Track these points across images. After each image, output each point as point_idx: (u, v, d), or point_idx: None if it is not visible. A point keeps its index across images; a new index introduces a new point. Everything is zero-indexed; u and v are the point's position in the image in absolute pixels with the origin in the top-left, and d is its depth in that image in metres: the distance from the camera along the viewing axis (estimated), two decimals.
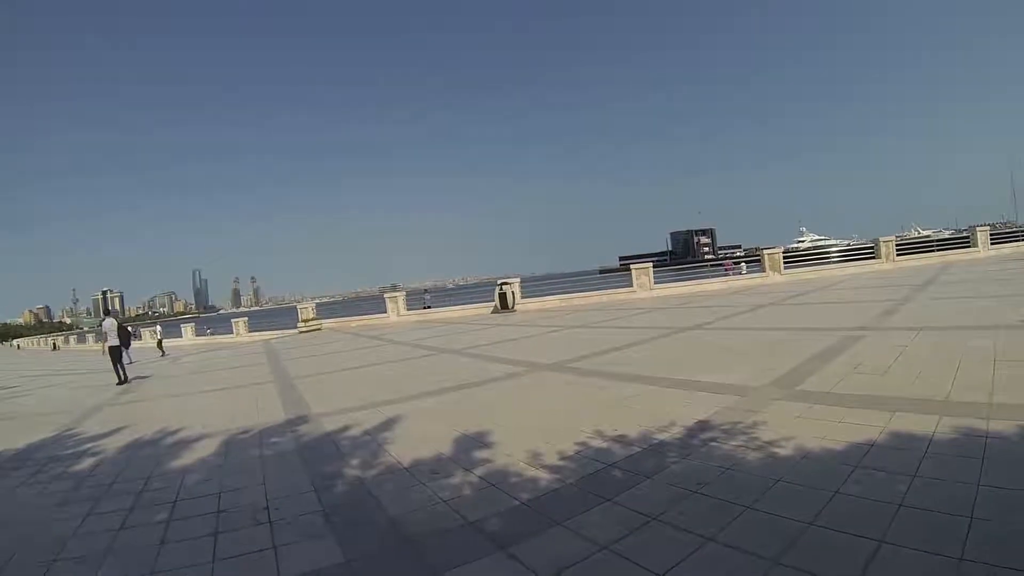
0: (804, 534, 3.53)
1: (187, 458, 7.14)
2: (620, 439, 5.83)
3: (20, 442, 9.49)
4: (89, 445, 8.62)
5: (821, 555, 3.29)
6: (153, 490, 6.02)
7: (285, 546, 4.29)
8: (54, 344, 65.31)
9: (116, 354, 16.84)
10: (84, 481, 6.70)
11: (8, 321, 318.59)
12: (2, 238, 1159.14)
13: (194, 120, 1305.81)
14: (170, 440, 8.22)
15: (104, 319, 18.39)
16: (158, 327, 34.74)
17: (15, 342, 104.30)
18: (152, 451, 7.75)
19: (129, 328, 19.86)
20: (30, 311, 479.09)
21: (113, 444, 8.45)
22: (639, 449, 5.50)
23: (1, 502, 6.41)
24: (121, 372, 16.75)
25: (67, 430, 10.16)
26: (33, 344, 71.34)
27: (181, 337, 41.13)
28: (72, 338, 70.74)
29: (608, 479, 4.86)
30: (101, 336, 18.33)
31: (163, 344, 28.63)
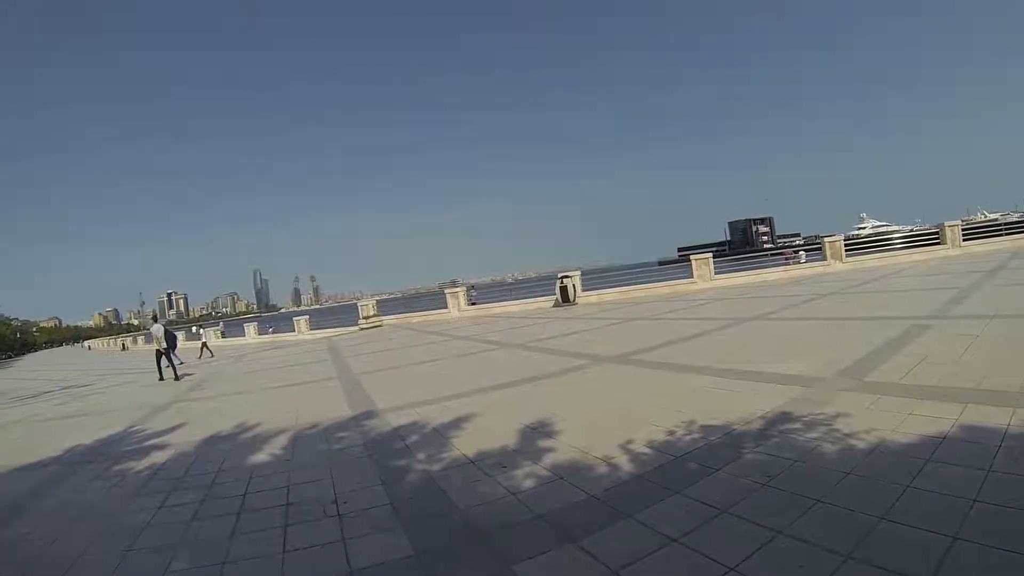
0: (876, 529, 3.48)
1: (255, 453, 7.38)
2: (688, 431, 5.81)
3: (94, 437, 10.10)
4: (159, 440, 9.05)
5: (893, 551, 3.23)
6: (222, 483, 6.25)
7: (354, 539, 4.37)
8: (123, 344, 68.78)
9: (164, 355, 19.02)
10: (155, 474, 7.02)
11: (79, 324, 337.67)
12: (73, 245, 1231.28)
13: (248, 122, 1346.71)
14: (238, 435, 8.53)
15: (152, 324, 20.89)
16: (201, 330, 36.03)
17: (86, 343, 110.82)
18: (221, 446, 8.04)
19: (175, 332, 22.47)
20: (99, 314, 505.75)
21: (182, 439, 8.84)
22: (707, 441, 5.47)
23: (77, 494, 6.77)
24: (172, 370, 18.93)
25: (138, 425, 10.70)
26: (103, 345, 75.34)
27: (244, 336, 42.40)
28: (140, 339, 74.33)
29: (677, 471, 4.85)
30: (150, 338, 21.22)
31: (208, 346, 29.66)
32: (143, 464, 7.62)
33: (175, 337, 20.63)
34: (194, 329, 34.86)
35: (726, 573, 3.25)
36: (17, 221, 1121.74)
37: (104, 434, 10.27)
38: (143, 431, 10.04)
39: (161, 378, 18.79)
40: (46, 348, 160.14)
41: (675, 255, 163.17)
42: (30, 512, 6.38)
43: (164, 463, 7.52)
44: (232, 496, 5.75)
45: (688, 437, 5.62)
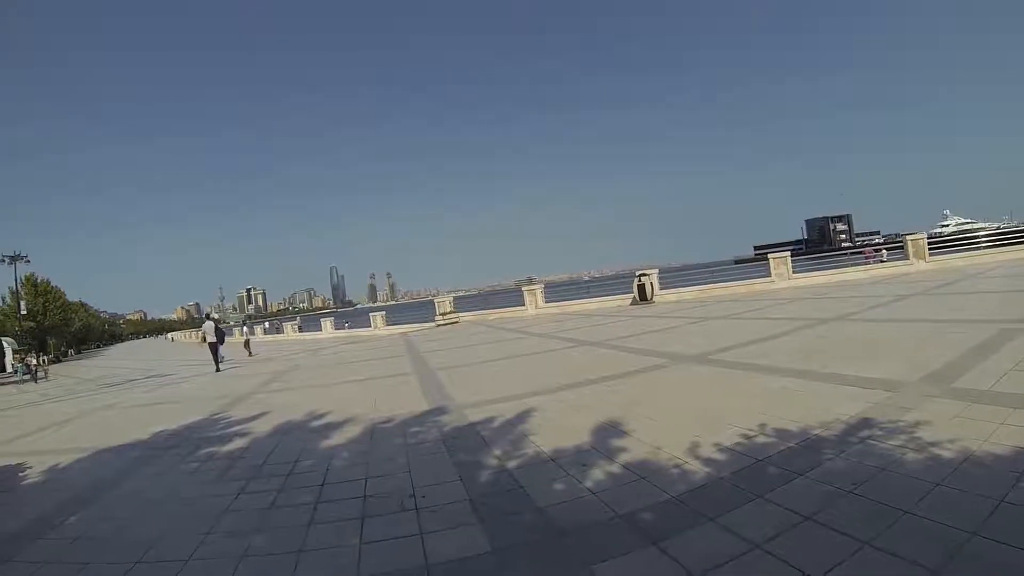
0: (967, 545, 3.36)
1: (332, 444, 7.64)
2: (769, 433, 5.74)
3: (178, 423, 10.75)
4: (239, 428, 9.52)
5: (985, 569, 3.14)
6: (300, 473, 6.50)
7: (431, 533, 4.45)
8: (203, 337, 72.30)
9: (214, 348, 22.53)
10: (235, 462, 7.38)
11: (163, 317, 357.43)
12: (158, 242, 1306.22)
13: (326, 121, 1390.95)
14: (316, 426, 8.85)
15: (205, 322, 25.35)
16: (245, 328, 37.47)
17: (170, 335, 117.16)
18: (299, 436, 8.37)
19: (224, 328, 25.83)
20: (182, 308, 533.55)
21: (262, 428, 9.26)
22: (790, 445, 5.38)
23: (160, 477, 7.22)
24: (215, 363, 22.07)
25: (220, 414, 11.31)
26: (185, 337, 79.25)
27: (320, 331, 43.87)
28: (246, 328, 78.18)
29: (759, 475, 4.79)
30: (200, 335, 25.78)
31: (250, 344, 30.88)
32: (224, 451, 8.03)
33: (224, 334, 24.29)
34: (244, 327, 36.45)
35: None
36: (104, 220, 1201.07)
37: (188, 421, 10.89)
38: (224, 419, 10.59)
39: (218, 369, 21.77)
40: (131, 339, 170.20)
41: (751, 253, 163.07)
42: (116, 492, 6.87)
43: (244, 451, 7.89)
44: (310, 486, 5.97)
45: (768, 440, 5.58)
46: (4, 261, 56.40)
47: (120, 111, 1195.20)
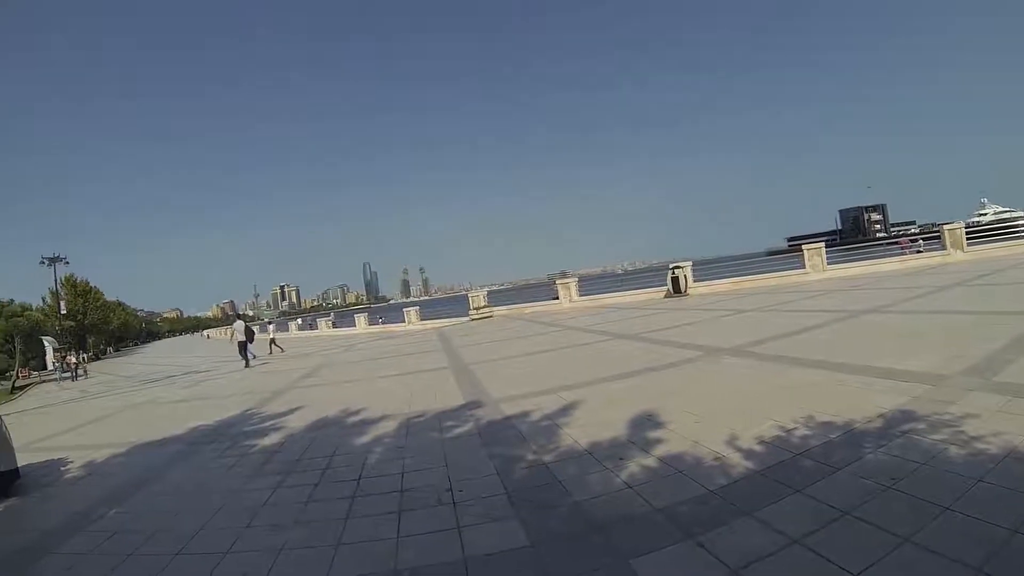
0: (1011, 542, 3.29)
1: (368, 439, 7.71)
2: (807, 427, 5.69)
3: (215, 418, 11.01)
4: (275, 423, 9.69)
5: None
6: (337, 468, 6.59)
7: (469, 527, 4.48)
8: (232, 335, 73.49)
9: (243, 346, 23.74)
10: (272, 456, 7.51)
11: (199, 315, 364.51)
12: (193, 240, 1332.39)
13: (358, 118, 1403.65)
14: (352, 421, 8.95)
15: (235, 321, 27.32)
16: (270, 326, 38.01)
17: (205, 332, 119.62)
18: (335, 431, 8.47)
19: (254, 328, 26.87)
20: (217, 305, 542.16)
21: (298, 423, 9.40)
22: (828, 439, 5.32)
23: (197, 473, 7.39)
24: (245, 360, 23.27)
25: (256, 409, 11.54)
26: (221, 334, 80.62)
27: (355, 326, 44.30)
28: (271, 327, 79.53)
29: (797, 469, 4.74)
30: (230, 332, 28.50)
31: (276, 342, 31.49)
32: (261, 446, 8.18)
33: (253, 332, 25.54)
34: (269, 326, 37.18)
35: None
36: (141, 219, 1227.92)
37: (224, 416, 11.16)
38: (260, 414, 10.79)
39: (247, 365, 22.96)
40: (168, 337, 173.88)
41: (784, 245, 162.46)
42: (155, 486, 7.06)
43: (281, 446, 8.02)
44: (346, 480, 6.04)
45: (806, 433, 5.52)
46: (44, 263, 57.99)
47: (153, 108, 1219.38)
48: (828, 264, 26.57)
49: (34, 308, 70.90)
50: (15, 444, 8.12)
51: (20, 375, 40.91)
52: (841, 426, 5.55)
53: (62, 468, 8.62)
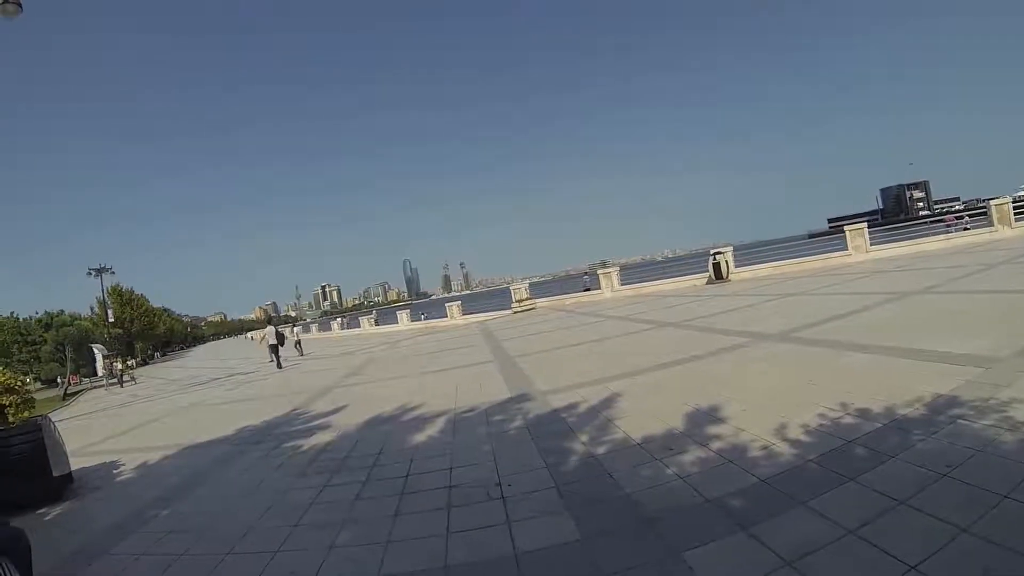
0: None
1: (415, 435, 7.80)
2: (858, 413, 5.59)
3: (262, 418, 11.26)
4: (321, 422, 9.87)
5: None
6: (384, 465, 6.68)
7: (519, 522, 4.49)
8: (263, 338, 74.89)
9: (275, 349, 25.81)
10: (319, 455, 7.64)
11: (242, 317, 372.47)
12: (237, 246, 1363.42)
13: (393, 114, 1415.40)
14: (398, 418, 9.07)
15: (267, 326, 31.39)
16: (295, 328, 38.86)
17: (249, 334, 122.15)
18: (381, 428, 8.60)
19: (284, 332, 29.54)
20: (260, 307, 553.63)
21: (344, 421, 9.56)
22: (879, 425, 5.22)
23: (245, 473, 7.56)
24: (277, 361, 25.24)
25: (301, 409, 11.77)
26: (260, 336, 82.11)
27: (397, 323, 44.73)
28: (297, 329, 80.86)
29: (849, 457, 4.67)
30: (262, 336, 31.38)
31: (300, 344, 32.84)
32: (308, 445, 8.34)
33: (284, 336, 28.13)
34: (294, 328, 38.52)
35: (907, 572, 3.07)
36: (181, 226, 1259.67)
37: (270, 416, 11.40)
38: (306, 414, 11.00)
39: (279, 366, 24.62)
40: (212, 340, 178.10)
41: (825, 227, 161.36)
42: (206, 485, 7.30)
43: (327, 445, 8.16)
44: (394, 478, 6.11)
45: (856, 420, 5.43)
46: (91, 274, 60.33)
47: (197, 111, 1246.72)
48: (871, 245, 25.97)
49: (83, 317, 73.54)
50: (68, 449, 8.42)
51: (71, 382, 42.41)
52: (891, 412, 5.45)
53: (114, 471, 8.93)
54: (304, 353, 31.08)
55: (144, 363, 67.96)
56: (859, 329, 9.83)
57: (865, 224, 27.38)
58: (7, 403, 7.90)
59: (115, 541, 5.65)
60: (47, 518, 7.04)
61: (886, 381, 6.46)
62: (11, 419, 7.95)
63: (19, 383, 8.24)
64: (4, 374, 8.14)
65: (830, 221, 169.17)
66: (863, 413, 5.54)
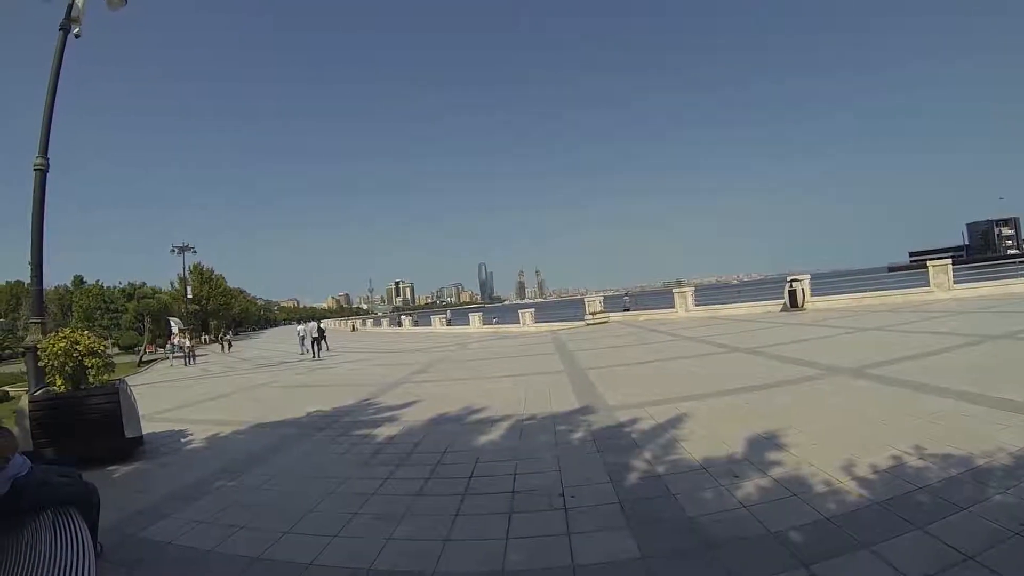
0: None
1: (481, 437, 7.95)
2: (930, 459, 5.41)
3: (330, 405, 11.70)
4: (389, 414, 10.15)
5: None
6: (448, 464, 6.83)
7: (579, 534, 4.53)
8: (352, 326, 76.65)
9: (315, 342, 29.44)
10: (384, 447, 7.88)
11: (315, 305, 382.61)
12: (315, 237, 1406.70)
13: (486, 119, 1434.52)
14: (465, 419, 9.26)
15: (310, 322, 35.98)
16: (321, 322, 39.47)
17: (299, 327, 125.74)
18: (448, 427, 8.79)
19: (325, 328, 33.39)
20: (332, 297, 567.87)
21: (411, 416, 9.80)
22: (952, 473, 5.02)
23: (310, 456, 7.89)
24: (316, 353, 28.91)
25: (369, 400, 12.15)
26: (335, 325, 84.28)
27: (469, 325, 45.38)
28: (368, 321, 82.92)
29: (918, 503, 4.51)
30: (303, 332, 35.00)
31: (326, 341, 33.06)
32: (374, 435, 8.61)
33: (324, 331, 31.46)
34: (320, 323, 39.32)
35: None
36: (266, 214, 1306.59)
37: (338, 403, 11.83)
38: (374, 405, 11.34)
39: (315, 357, 28.15)
40: (284, 325, 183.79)
41: (906, 260, 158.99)
42: (270, 464, 7.61)
43: (393, 437, 8.40)
44: (457, 477, 6.25)
45: (927, 465, 5.26)
46: (175, 251, 63.85)
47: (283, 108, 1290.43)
48: (955, 282, 25.03)
49: (163, 291, 77.13)
50: (140, 413, 8.97)
51: (147, 350, 44.50)
52: (965, 461, 5.26)
53: (182, 439, 9.46)
54: (327, 350, 31.27)
55: (219, 341, 70.81)
56: (939, 371, 9.52)
57: (949, 260, 26.56)
58: (90, 365, 8.45)
59: (177, 506, 6.00)
60: (115, 475, 7.55)
61: (964, 428, 6.25)
62: (92, 380, 8.51)
63: (102, 347, 8.78)
64: (89, 337, 8.66)
65: (912, 255, 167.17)
66: (936, 459, 5.38)
